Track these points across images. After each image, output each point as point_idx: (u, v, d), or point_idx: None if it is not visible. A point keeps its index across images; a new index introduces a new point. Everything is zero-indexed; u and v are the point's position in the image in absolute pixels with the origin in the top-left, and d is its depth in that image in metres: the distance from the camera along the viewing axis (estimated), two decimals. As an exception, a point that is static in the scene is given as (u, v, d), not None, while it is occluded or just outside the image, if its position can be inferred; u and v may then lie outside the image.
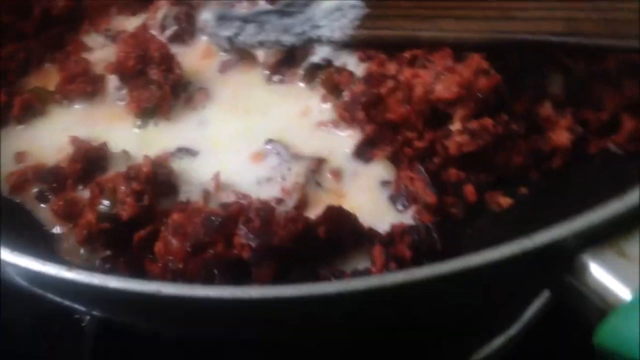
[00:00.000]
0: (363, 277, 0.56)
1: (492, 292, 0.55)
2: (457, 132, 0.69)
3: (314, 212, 0.67)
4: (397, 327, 0.67)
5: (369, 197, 0.71)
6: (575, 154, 0.72)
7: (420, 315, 0.60)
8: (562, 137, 0.72)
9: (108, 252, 0.64)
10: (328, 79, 0.78)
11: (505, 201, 0.70)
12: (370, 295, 0.49)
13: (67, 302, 0.58)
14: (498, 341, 0.83)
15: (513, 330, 0.83)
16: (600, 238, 0.50)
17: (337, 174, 0.72)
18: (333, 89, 0.78)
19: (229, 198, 0.69)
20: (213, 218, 0.62)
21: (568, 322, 0.83)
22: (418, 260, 0.61)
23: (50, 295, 0.58)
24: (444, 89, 0.69)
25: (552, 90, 0.74)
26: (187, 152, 0.75)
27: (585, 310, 0.50)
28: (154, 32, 0.84)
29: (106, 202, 0.64)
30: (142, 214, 0.64)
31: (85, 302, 0.58)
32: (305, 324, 0.57)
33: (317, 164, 0.72)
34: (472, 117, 0.69)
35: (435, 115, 0.70)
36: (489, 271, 0.48)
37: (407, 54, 0.73)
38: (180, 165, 0.73)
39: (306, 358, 0.79)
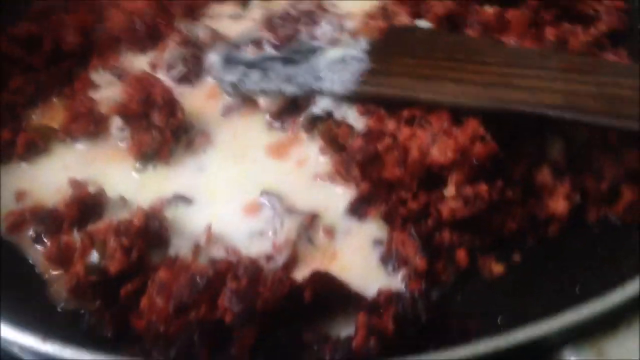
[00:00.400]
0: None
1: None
2: (451, 197, 0.68)
3: (303, 270, 0.67)
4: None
5: (360, 256, 0.71)
6: (573, 222, 0.71)
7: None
8: (559, 205, 0.71)
9: (96, 303, 0.64)
10: (327, 131, 0.78)
11: (497, 268, 0.69)
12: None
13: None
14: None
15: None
16: (582, 336, 0.49)
17: (330, 231, 0.72)
18: (331, 142, 0.78)
19: (219, 252, 0.69)
20: (198, 279, 0.62)
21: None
22: (401, 332, 0.60)
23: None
24: (439, 153, 0.68)
25: (551, 156, 0.73)
26: (182, 199, 0.75)
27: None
28: (160, 71, 0.85)
29: (95, 255, 0.64)
30: (130, 268, 0.64)
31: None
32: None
33: (311, 220, 0.72)
34: (466, 183, 0.68)
35: (430, 177, 0.70)
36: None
37: (406, 113, 0.72)
38: (174, 214, 0.73)
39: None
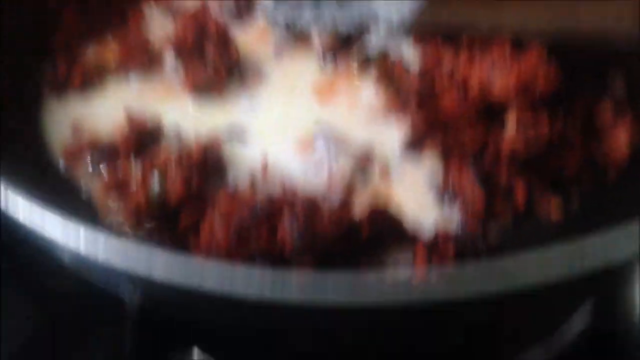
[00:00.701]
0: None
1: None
2: (511, 133, 0.67)
3: (359, 207, 0.67)
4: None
5: (416, 193, 0.70)
6: (633, 163, 0.69)
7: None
8: (620, 145, 0.69)
9: (155, 233, 0.65)
10: (382, 66, 0.77)
11: (555, 212, 0.68)
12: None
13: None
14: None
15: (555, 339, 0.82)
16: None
17: (385, 168, 0.72)
18: (386, 77, 0.77)
19: (275, 187, 0.69)
20: (260, 207, 0.63)
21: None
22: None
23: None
24: (500, 86, 0.67)
25: (613, 92, 0.71)
26: (236, 134, 0.75)
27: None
28: (213, 10, 0.84)
29: (156, 184, 0.65)
30: (190, 198, 0.65)
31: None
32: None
33: (365, 157, 0.72)
34: (527, 118, 0.67)
35: (490, 111, 0.69)
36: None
37: (464, 44, 0.71)
38: (228, 148, 0.73)
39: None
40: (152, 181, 0.66)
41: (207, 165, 0.67)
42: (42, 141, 0.75)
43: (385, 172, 0.71)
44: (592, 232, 0.61)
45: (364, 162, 0.72)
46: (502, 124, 0.68)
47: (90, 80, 0.80)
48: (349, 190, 0.69)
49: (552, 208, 0.68)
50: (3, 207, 0.55)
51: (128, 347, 0.72)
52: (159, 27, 0.85)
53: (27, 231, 0.54)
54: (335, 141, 0.73)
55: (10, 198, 0.55)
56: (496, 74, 0.68)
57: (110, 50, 0.83)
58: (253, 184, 0.69)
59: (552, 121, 0.67)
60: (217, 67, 0.77)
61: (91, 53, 0.84)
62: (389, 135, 0.74)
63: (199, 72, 0.77)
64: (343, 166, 0.71)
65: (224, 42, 0.78)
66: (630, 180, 0.68)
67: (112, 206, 0.69)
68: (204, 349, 0.78)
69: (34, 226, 0.54)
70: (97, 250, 0.51)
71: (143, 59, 0.80)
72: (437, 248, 0.63)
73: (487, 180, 0.69)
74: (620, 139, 0.69)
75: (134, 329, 0.70)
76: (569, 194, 0.69)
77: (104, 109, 0.78)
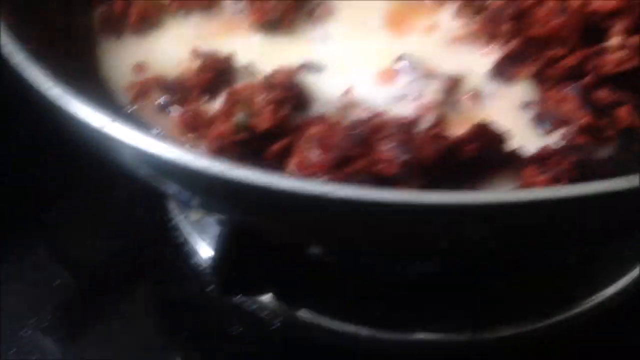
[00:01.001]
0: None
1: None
2: (616, 48, 0.63)
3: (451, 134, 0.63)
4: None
5: (510, 119, 0.66)
6: None
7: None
8: None
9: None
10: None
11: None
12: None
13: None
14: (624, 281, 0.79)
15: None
16: None
17: (474, 94, 0.67)
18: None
19: (363, 115, 0.65)
20: (357, 131, 0.58)
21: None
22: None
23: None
24: (602, 1, 0.63)
25: None
26: (312, 67, 0.70)
27: None
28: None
29: (242, 113, 0.60)
30: (279, 125, 0.60)
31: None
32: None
33: (454, 83, 0.68)
34: (632, 32, 0.63)
35: (589, 30, 0.65)
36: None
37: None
38: (306, 81, 0.69)
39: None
40: (236, 111, 0.61)
41: (293, 91, 0.62)
42: (103, 81, 0.70)
43: (477, 99, 0.67)
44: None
45: (452, 90, 0.67)
46: (603, 41, 0.64)
47: (148, 18, 0.75)
48: (441, 113, 0.64)
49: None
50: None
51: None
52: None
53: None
54: (420, 70, 0.69)
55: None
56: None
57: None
58: (340, 112, 0.64)
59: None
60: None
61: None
62: (476, 62, 0.70)
63: (265, 5, 0.73)
64: (431, 91, 0.67)
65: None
66: None
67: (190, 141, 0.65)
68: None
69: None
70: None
71: (203, -4, 0.75)
72: (547, 164, 0.58)
73: (588, 101, 0.64)
74: None
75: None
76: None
77: (166, 48, 0.74)
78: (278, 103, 0.61)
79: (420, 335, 0.78)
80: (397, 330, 0.79)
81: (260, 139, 0.61)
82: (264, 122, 0.60)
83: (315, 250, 0.77)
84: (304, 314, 0.80)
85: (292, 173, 0.59)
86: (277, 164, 0.60)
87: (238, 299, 0.80)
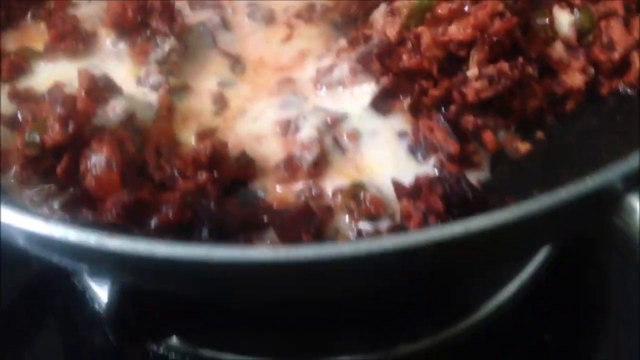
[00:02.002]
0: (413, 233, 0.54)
1: (539, 237, 0.54)
2: (474, 77, 0.68)
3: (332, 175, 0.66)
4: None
5: (388, 150, 0.69)
6: (588, 97, 0.72)
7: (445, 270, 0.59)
8: (575, 79, 0.71)
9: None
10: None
11: (524, 146, 0.69)
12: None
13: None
14: (509, 290, 0.85)
15: (524, 275, 0.85)
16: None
17: (354, 130, 0.70)
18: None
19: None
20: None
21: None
22: (450, 213, 0.59)
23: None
24: (457, 30, 0.67)
25: (562, 32, 0.73)
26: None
27: (632, 252, 0.50)
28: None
29: (33, 130, 0.62)
30: (69, 141, 0.61)
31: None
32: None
33: (335, 120, 0.70)
34: (488, 61, 0.68)
35: (450, 61, 0.69)
36: (547, 216, 0.47)
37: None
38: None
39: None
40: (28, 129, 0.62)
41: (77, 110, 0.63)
42: None
43: (355, 134, 0.70)
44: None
45: (333, 124, 0.70)
46: (463, 71, 0.69)
47: (20, 68, 0.73)
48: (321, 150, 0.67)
49: (520, 144, 0.69)
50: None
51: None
52: (86, 7, 0.79)
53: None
54: (303, 108, 0.71)
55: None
56: (453, 19, 0.68)
57: (34, 36, 0.77)
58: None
59: (511, 62, 0.68)
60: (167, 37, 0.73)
61: (13, 41, 0.76)
62: (355, 98, 0.72)
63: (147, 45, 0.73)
64: (312, 126, 0.69)
65: (169, 11, 0.74)
66: (587, 109, 0.71)
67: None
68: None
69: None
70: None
71: (76, 42, 0.74)
72: (420, 197, 0.62)
73: (456, 128, 0.69)
74: (575, 73, 0.72)
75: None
76: (534, 129, 0.70)
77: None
78: (64, 120, 0.61)
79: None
80: (298, 358, 0.81)
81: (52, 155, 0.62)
82: (52, 138, 0.61)
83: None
84: (208, 352, 0.81)
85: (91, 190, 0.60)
86: (71, 181, 0.61)
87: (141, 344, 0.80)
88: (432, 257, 0.47)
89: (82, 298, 0.87)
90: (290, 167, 0.66)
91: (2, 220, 0.50)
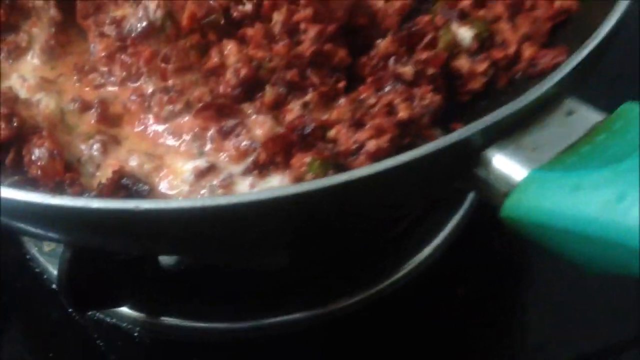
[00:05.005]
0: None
1: (412, 192, 0.64)
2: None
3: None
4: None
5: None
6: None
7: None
8: (477, 83, 0.78)
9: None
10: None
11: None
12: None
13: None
14: (427, 249, 0.95)
15: (441, 237, 0.96)
16: (502, 135, 0.60)
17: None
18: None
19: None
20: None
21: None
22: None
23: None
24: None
25: (465, 45, 0.79)
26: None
27: (492, 198, 0.60)
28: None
29: None
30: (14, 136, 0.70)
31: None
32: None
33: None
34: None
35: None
36: (411, 168, 0.57)
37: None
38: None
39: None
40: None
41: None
42: None
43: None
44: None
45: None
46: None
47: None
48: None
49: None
50: None
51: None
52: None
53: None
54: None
55: None
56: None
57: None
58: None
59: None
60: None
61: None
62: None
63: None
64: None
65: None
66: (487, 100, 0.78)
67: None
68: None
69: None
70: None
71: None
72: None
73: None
74: (478, 79, 0.79)
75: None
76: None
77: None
78: (9, 117, 0.70)
79: (269, 320, 0.90)
80: (249, 319, 0.91)
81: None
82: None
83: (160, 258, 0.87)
84: (162, 319, 0.89)
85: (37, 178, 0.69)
86: (17, 171, 0.70)
87: (95, 313, 0.88)
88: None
89: (40, 280, 0.95)
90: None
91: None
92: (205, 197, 0.65)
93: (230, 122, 0.72)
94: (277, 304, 0.91)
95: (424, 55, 0.76)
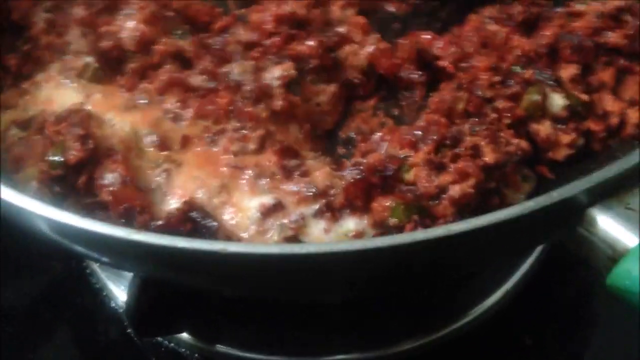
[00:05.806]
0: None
1: (510, 245, 0.61)
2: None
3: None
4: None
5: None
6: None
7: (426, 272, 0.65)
8: (560, 154, 0.72)
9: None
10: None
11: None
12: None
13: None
14: (495, 296, 0.91)
15: (509, 284, 0.92)
16: (608, 194, 0.57)
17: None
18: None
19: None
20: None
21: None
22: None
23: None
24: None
25: (552, 111, 0.72)
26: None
27: (596, 259, 0.57)
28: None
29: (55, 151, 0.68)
30: (88, 157, 0.68)
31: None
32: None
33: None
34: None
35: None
36: (514, 225, 0.53)
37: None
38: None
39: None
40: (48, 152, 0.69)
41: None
42: None
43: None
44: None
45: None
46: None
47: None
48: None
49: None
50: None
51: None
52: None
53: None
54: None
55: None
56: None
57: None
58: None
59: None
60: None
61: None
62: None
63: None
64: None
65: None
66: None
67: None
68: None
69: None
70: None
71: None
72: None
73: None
74: (561, 149, 0.72)
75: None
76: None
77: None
78: (82, 138, 0.68)
79: (324, 358, 0.87)
80: (306, 355, 0.88)
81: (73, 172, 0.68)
82: (75, 156, 0.68)
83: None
84: (219, 347, 0.87)
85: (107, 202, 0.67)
86: (89, 194, 0.68)
87: (155, 338, 0.87)
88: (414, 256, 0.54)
89: (100, 297, 0.94)
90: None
91: (32, 210, 0.57)
92: (295, 244, 0.62)
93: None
94: (335, 341, 0.89)
95: (501, 105, 0.71)
